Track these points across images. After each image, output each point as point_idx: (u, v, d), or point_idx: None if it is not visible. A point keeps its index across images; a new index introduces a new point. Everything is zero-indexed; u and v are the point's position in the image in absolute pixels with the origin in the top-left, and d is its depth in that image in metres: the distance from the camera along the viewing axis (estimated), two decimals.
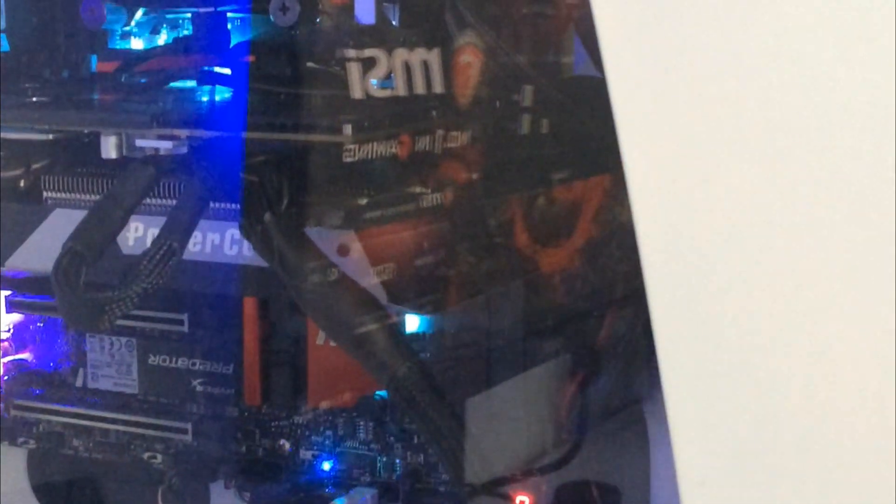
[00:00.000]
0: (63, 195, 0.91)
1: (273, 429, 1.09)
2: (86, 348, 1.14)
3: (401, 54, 0.87)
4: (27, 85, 1.05)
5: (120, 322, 1.10)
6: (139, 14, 1.08)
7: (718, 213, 0.59)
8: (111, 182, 0.90)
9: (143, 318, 1.10)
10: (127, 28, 1.09)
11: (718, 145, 0.59)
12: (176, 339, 1.10)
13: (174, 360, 1.11)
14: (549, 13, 0.99)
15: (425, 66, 0.92)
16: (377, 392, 1.03)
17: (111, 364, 1.13)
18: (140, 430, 1.13)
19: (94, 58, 1.08)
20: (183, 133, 0.84)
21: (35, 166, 0.93)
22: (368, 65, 0.85)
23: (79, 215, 0.89)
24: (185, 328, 1.08)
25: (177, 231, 0.75)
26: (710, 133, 0.59)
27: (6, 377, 1.18)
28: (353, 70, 0.83)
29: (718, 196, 0.59)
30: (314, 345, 1.03)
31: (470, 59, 0.92)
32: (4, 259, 0.90)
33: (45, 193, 0.92)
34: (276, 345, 1.06)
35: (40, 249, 0.89)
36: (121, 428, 1.13)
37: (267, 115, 0.80)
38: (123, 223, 0.78)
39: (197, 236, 0.92)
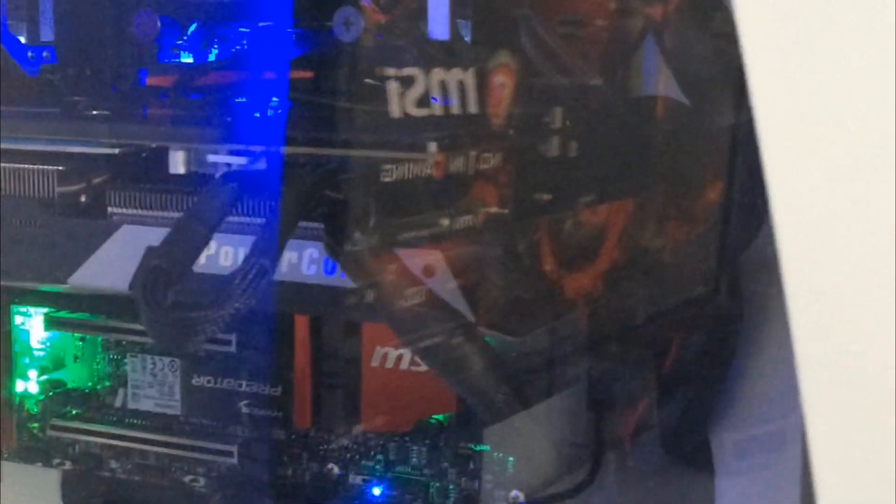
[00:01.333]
0: (129, 211, 0.89)
1: (321, 452, 1.06)
2: (126, 368, 1.12)
3: (438, 73, 0.86)
4: (78, 98, 1.04)
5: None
6: (191, 28, 1.06)
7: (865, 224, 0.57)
8: (180, 198, 0.88)
9: None
10: (178, 42, 1.07)
11: (860, 148, 0.57)
12: (222, 359, 1.07)
13: (220, 380, 1.08)
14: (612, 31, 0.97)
15: (461, 85, 0.90)
16: (433, 416, 1.01)
17: (153, 384, 1.11)
18: (182, 453, 1.10)
19: (144, 71, 1.06)
20: (258, 149, 0.82)
21: (95, 181, 0.91)
22: (406, 83, 0.83)
23: (147, 232, 0.87)
24: (233, 348, 1.05)
25: (267, 250, 0.73)
26: (851, 135, 0.57)
27: (42, 396, 1.15)
28: (392, 88, 0.82)
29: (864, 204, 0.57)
30: (368, 366, 1.01)
31: (503, 80, 0.91)
32: (69, 275, 0.88)
33: (109, 209, 0.89)
34: (328, 365, 1.04)
35: (107, 266, 0.87)
36: (161, 450, 1.11)
37: (344, 131, 0.79)
38: (207, 240, 0.76)
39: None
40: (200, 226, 0.75)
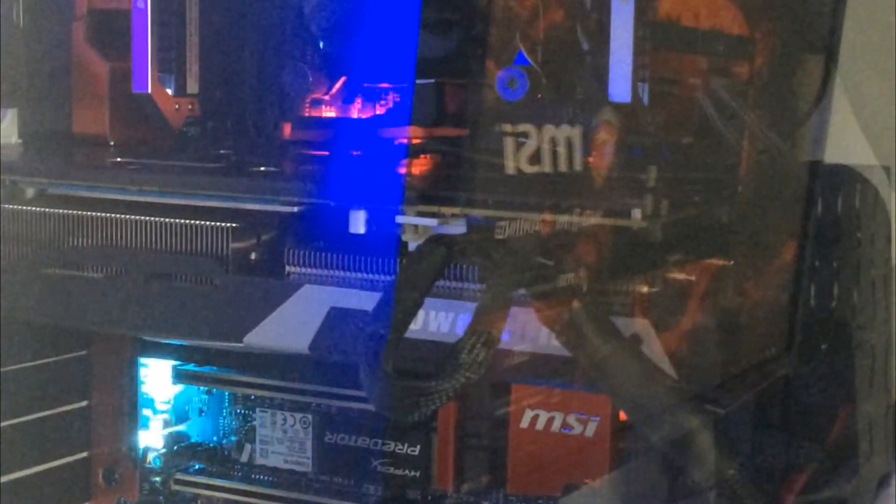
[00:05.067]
0: (307, 270, 0.88)
1: None
2: (255, 423, 1.11)
3: (549, 130, 0.86)
4: (225, 151, 1.03)
5: (295, 398, 1.09)
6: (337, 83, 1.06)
7: None
8: (359, 258, 0.87)
9: (322, 395, 1.07)
10: (318, 97, 1.07)
11: None
12: (358, 417, 1.06)
13: (354, 438, 1.07)
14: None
15: (569, 142, 0.90)
16: (582, 480, 1.00)
17: (283, 440, 1.10)
18: None
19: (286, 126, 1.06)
20: (451, 211, 0.82)
21: (264, 237, 0.90)
22: (521, 140, 0.83)
23: (328, 292, 0.87)
24: (372, 405, 1.04)
25: (492, 318, 0.72)
26: None
27: (165, 450, 1.14)
28: (508, 145, 0.82)
29: None
30: (517, 428, 1.00)
31: (606, 138, 0.90)
32: (244, 334, 0.87)
33: (287, 268, 0.88)
34: (474, 426, 1.03)
35: (284, 326, 0.86)
36: None
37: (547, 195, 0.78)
38: (419, 305, 0.75)
39: None
40: (412, 290, 0.75)
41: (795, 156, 0.92)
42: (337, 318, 0.85)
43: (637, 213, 0.78)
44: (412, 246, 0.83)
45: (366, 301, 0.86)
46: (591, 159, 0.83)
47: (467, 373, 0.71)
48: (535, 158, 0.84)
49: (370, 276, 0.87)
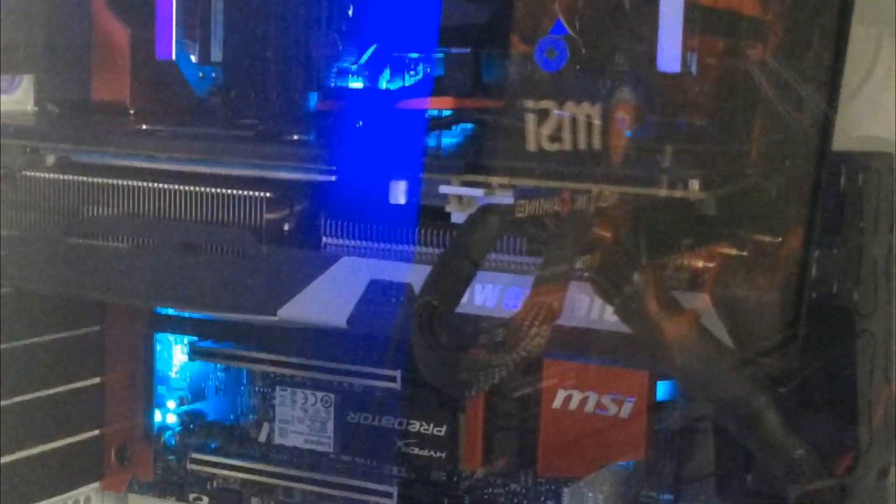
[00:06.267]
0: (344, 242, 0.85)
1: (487, 497, 1.03)
2: (275, 402, 1.08)
3: (569, 107, 0.83)
4: (245, 120, 1.00)
5: (317, 376, 1.06)
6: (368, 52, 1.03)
7: None
8: (399, 230, 0.84)
9: (346, 373, 1.05)
10: (346, 66, 1.04)
11: None
12: (383, 396, 1.04)
13: (378, 418, 1.05)
14: None
15: (588, 121, 0.88)
16: (617, 462, 0.98)
17: (303, 420, 1.07)
18: (333, 492, 1.06)
19: (314, 95, 1.03)
20: (499, 181, 0.79)
21: (299, 208, 0.87)
22: (542, 117, 0.80)
23: (367, 264, 0.84)
24: (398, 385, 1.02)
25: (553, 289, 0.69)
26: None
27: (180, 429, 1.11)
28: (529, 121, 0.79)
29: None
30: (549, 408, 0.98)
31: (623, 117, 0.88)
32: (278, 307, 0.84)
33: (324, 239, 0.85)
34: (505, 406, 1.00)
35: (321, 299, 0.83)
36: (310, 487, 1.07)
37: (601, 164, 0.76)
38: (473, 275, 0.73)
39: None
40: (466, 261, 0.72)
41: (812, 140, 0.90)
42: (377, 291, 0.83)
43: (695, 184, 0.75)
44: (456, 217, 0.81)
45: (406, 273, 0.83)
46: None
47: (529, 346, 0.68)
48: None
49: (411, 247, 0.84)
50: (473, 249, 0.72)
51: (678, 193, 0.75)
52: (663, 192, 0.75)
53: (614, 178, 0.75)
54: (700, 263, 0.76)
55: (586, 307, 0.79)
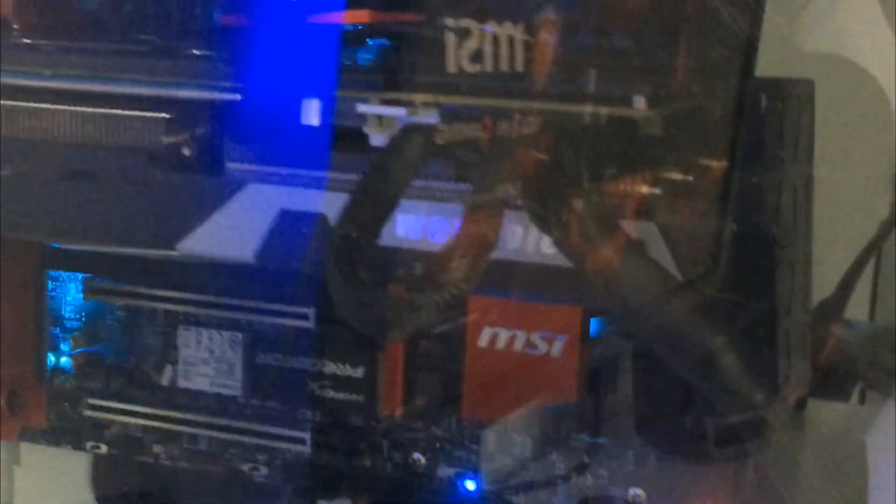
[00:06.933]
0: (252, 167, 0.78)
1: (406, 441, 0.96)
2: (178, 343, 1.00)
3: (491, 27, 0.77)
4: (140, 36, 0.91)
5: (223, 314, 0.99)
6: None
7: None
8: (312, 154, 0.77)
9: (254, 311, 0.97)
10: None
11: None
12: (294, 335, 0.96)
13: (290, 359, 0.98)
14: None
15: (510, 41, 0.81)
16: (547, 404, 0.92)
17: (209, 361, 1.00)
18: (242, 438, 0.99)
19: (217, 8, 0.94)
20: (422, 99, 0.72)
21: (200, 130, 0.79)
22: (462, 36, 0.74)
23: (276, 192, 0.76)
24: (311, 323, 0.95)
25: (485, 220, 0.62)
26: None
27: (76, 372, 1.03)
28: (449, 41, 0.73)
29: None
30: (474, 347, 0.91)
31: (547, 38, 0.82)
32: (178, 241, 0.76)
33: (228, 164, 0.78)
34: (426, 345, 0.94)
35: (225, 232, 0.75)
36: (217, 434, 1.00)
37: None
38: (395, 205, 0.65)
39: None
40: (387, 187, 0.65)
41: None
42: (288, 222, 0.75)
43: (640, 102, 0.69)
44: (376, 139, 0.74)
45: (320, 202, 0.76)
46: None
47: (461, 283, 0.61)
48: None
49: (325, 174, 0.77)
50: (396, 175, 0.65)
51: (623, 112, 0.68)
52: (606, 111, 0.68)
53: (551, 96, 0.69)
54: (644, 189, 0.69)
55: (519, 238, 0.73)
